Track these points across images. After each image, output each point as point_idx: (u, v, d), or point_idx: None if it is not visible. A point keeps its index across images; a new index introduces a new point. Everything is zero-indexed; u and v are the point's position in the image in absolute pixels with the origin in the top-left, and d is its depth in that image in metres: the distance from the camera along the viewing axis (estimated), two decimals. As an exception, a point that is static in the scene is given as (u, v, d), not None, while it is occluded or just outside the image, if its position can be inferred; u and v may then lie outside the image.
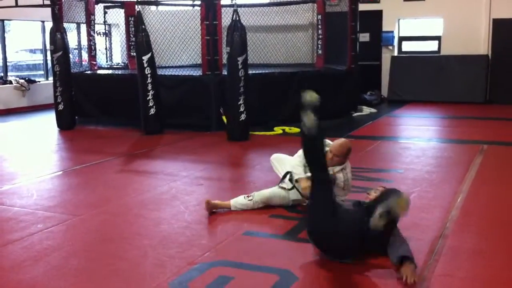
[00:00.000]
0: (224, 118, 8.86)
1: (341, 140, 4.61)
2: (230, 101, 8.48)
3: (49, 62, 11.52)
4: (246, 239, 4.21)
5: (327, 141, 4.80)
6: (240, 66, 8.28)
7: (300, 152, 4.76)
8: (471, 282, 3.42)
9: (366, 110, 11.82)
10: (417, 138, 8.69)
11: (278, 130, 9.21)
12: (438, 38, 13.73)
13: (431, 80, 13.32)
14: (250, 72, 8.72)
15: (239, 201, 4.83)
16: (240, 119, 8.41)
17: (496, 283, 3.41)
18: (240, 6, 9.61)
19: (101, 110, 10.48)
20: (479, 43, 13.14)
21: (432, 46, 13.86)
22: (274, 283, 3.39)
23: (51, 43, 9.72)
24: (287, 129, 9.26)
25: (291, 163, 4.90)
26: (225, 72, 8.92)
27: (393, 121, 10.89)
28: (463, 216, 4.68)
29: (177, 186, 5.74)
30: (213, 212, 4.77)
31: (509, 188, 5.59)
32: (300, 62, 12.74)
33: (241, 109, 8.38)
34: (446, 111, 11.76)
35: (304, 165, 4.62)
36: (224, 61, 9.09)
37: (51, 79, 10.75)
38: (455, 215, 4.68)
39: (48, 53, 11.08)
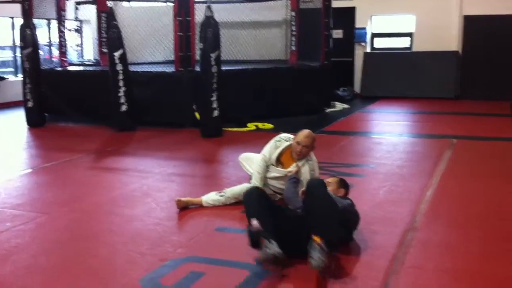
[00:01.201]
0: (197, 114, 8.82)
1: (305, 132, 4.61)
2: (203, 98, 8.45)
3: (18, 58, 11.33)
4: (218, 235, 4.20)
5: (287, 135, 4.83)
6: (213, 63, 8.25)
7: (264, 152, 4.82)
8: (440, 273, 3.47)
9: (339, 106, 11.90)
10: (389, 133, 8.78)
11: (251, 126, 9.21)
12: (410, 34, 13.91)
13: (403, 76, 13.48)
14: (223, 68, 8.70)
15: (210, 197, 4.82)
16: (214, 116, 8.39)
17: (464, 274, 3.46)
18: (213, 2, 9.56)
19: (72, 107, 10.30)
20: (450, 39, 13.33)
21: (404, 42, 14.03)
22: (245, 278, 3.39)
23: (20, 40, 9.58)
24: (260, 125, 9.27)
25: (255, 163, 4.91)
26: (198, 69, 8.87)
27: (366, 117, 10.99)
28: (432, 209, 4.74)
29: (149, 183, 5.70)
30: (185, 208, 4.75)
31: (477, 181, 5.68)
32: (273, 59, 12.76)
33: (215, 106, 8.36)
34: (417, 106, 11.92)
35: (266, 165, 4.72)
36: (197, 57, 9.04)
37: (20, 76, 10.57)
38: (424, 209, 4.75)
39: (18, 49, 10.89)
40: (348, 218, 3.80)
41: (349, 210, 3.85)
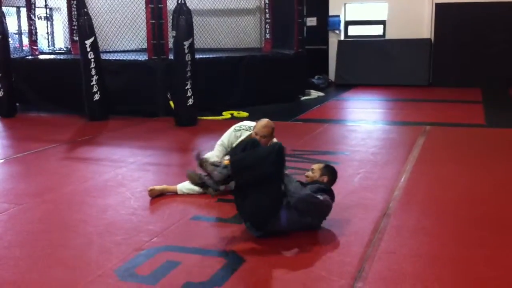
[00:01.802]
0: (171, 103, 8.75)
1: (263, 121, 4.55)
2: (177, 86, 8.38)
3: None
4: (193, 224, 4.19)
5: (248, 123, 4.84)
6: (186, 51, 8.18)
7: (222, 138, 4.87)
8: (415, 258, 3.51)
9: (314, 94, 11.94)
10: (363, 120, 8.85)
11: (226, 114, 9.18)
12: (383, 22, 13.99)
13: (376, 64, 13.58)
14: (197, 56, 8.63)
15: (186, 185, 4.79)
16: (188, 104, 8.34)
17: (438, 258, 3.51)
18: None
19: (44, 96, 10.16)
20: (422, 27, 13.46)
21: (377, 30, 14.11)
22: (221, 266, 3.39)
23: (-11, 28, 9.35)
24: (235, 113, 9.24)
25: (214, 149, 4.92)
26: (171, 57, 8.80)
27: (340, 105, 11.05)
28: (406, 196, 4.80)
29: (123, 173, 5.65)
30: (160, 195, 4.73)
31: (450, 167, 5.77)
32: (248, 47, 12.72)
33: (189, 94, 8.30)
34: (391, 94, 12.03)
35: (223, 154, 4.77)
36: (170, 45, 8.96)
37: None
38: (398, 195, 4.80)
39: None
40: (306, 208, 3.79)
41: (305, 199, 3.75)
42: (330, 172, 4.14)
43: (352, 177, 5.39)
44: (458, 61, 13.18)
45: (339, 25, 14.15)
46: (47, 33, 12.88)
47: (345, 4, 14.16)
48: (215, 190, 3.76)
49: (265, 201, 3.70)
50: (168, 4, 9.16)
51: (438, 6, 13.24)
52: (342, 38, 14.27)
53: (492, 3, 12.73)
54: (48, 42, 12.87)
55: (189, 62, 8.23)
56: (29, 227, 4.17)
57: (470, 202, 4.67)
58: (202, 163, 3.78)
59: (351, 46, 14.03)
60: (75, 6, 10.88)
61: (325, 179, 4.08)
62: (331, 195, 3.97)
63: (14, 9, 11.91)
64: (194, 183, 3.83)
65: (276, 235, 3.79)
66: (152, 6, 8.93)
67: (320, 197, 3.83)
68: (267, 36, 12.46)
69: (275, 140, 4.61)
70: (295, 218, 3.78)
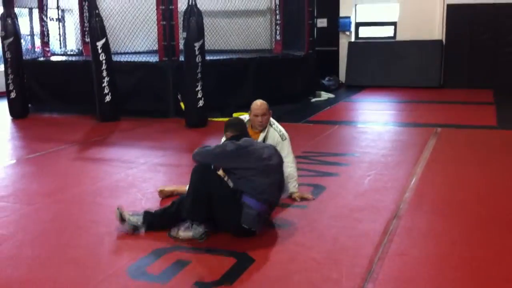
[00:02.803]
0: (182, 104, 8.78)
1: (257, 102, 4.63)
2: (188, 87, 8.41)
3: (0, 49, 11.17)
4: (203, 224, 4.20)
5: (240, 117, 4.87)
6: (197, 52, 8.21)
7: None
8: (425, 260, 3.51)
9: (324, 95, 11.92)
10: (374, 122, 8.83)
11: (236, 116, 9.16)
12: (394, 23, 13.93)
13: (387, 65, 13.53)
14: (207, 58, 8.66)
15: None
16: (198, 106, 8.36)
17: (448, 260, 3.50)
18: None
19: (55, 97, 10.24)
20: (433, 28, 13.40)
21: (388, 31, 14.05)
22: (232, 265, 3.40)
23: (1, 29, 9.43)
24: (245, 114, 9.21)
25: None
26: (182, 58, 8.82)
27: (350, 106, 11.03)
28: (416, 197, 4.78)
29: (134, 174, 5.67)
30: (170, 196, 4.75)
31: (461, 169, 5.74)
32: (258, 48, 12.71)
33: (199, 95, 8.32)
34: (402, 95, 11.98)
35: None
36: (181, 46, 8.99)
37: (2, 66, 10.44)
38: (409, 197, 4.79)
39: (-1, 39, 10.73)
40: (203, 159, 3.91)
41: (196, 153, 3.94)
42: (227, 125, 4.18)
43: (362, 178, 5.38)
44: (470, 62, 13.10)
45: (349, 26, 14.13)
46: (59, 34, 12.94)
47: (355, 5, 14.13)
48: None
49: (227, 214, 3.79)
50: (179, 5, 9.18)
51: (450, 7, 13.17)
52: (352, 39, 14.24)
53: (504, 4, 12.65)
54: (60, 43, 12.93)
55: (200, 64, 8.25)
56: (41, 227, 4.20)
57: (480, 203, 4.64)
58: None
59: (361, 47, 14.00)
60: (86, 8, 10.95)
61: (228, 135, 4.13)
62: (238, 141, 3.96)
63: (27, 10, 11.99)
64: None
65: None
66: (163, 7, 8.98)
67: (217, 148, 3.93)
68: (278, 37, 12.46)
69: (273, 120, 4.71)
70: (235, 181, 3.87)
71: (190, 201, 3.79)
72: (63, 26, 13.14)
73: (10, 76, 9.49)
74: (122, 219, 3.94)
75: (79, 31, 12.45)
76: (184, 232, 3.79)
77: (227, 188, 3.85)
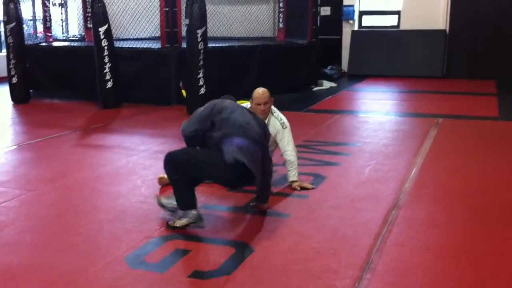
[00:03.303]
0: (183, 91, 8.76)
1: (258, 91, 4.64)
2: (190, 75, 8.38)
3: (2, 34, 11.15)
4: (203, 212, 4.19)
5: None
6: (199, 39, 8.17)
7: None
8: (424, 251, 3.51)
9: (326, 84, 11.88)
10: (375, 112, 8.81)
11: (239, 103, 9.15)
12: (397, 12, 13.84)
13: (390, 54, 13.47)
14: (210, 45, 8.62)
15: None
16: (200, 93, 8.33)
17: (448, 251, 3.50)
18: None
19: (57, 83, 10.22)
20: (437, 18, 13.31)
21: (391, 20, 13.96)
22: (231, 255, 3.41)
23: (4, 14, 9.40)
24: (248, 102, 9.20)
25: None
26: (184, 45, 8.79)
27: (353, 95, 11.00)
28: (416, 188, 4.78)
29: (134, 160, 5.68)
30: (168, 184, 4.74)
31: (462, 160, 5.73)
32: (261, 36, 12.65)
33: (201, 83, 8.30)
34: (404, 85, 11.94)
35: None
36: (184, 33, 8.95)
37: (4, 51, 10.41)
38: (409, 187, 4.79)
39: (1, 24, 10.72)
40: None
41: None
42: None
43: (363, 168, 5.37)
44: (473, 52, 13.03)
45: (353, 15, 14.04)
46: (61, 20, 12.89)
47: (359, -7, 14.05)
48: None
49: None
50: (181, -8, 9.15)
51: (454, -3, 13.09)
52: (356, 28, 14.16)
53: (509, -6, 12.57)
54: (62, 29, 12.87)
55: (202, 51, 8.22)
56: (41, 212, 4.21)
57: (481, 194, 4.64)
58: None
59: (365, 36, 13.92)
60: (89, -7, 10.92)
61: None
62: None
63: (29, -5, 11.93)
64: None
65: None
66: (166, -6, 8.93)
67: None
68: (281, 25, 12.40)
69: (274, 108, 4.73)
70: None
71: (175, 192, 3.87)
72: (66, 11, 13.07)
73: (12, 61, 9.46)
74: (162, 205, 4.11)
75: (81, 17, 12.41)
76: (180, 221, 3.80)
77: (201, 150, 3.95)
